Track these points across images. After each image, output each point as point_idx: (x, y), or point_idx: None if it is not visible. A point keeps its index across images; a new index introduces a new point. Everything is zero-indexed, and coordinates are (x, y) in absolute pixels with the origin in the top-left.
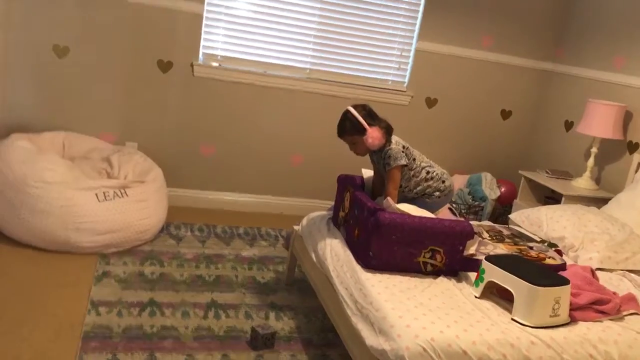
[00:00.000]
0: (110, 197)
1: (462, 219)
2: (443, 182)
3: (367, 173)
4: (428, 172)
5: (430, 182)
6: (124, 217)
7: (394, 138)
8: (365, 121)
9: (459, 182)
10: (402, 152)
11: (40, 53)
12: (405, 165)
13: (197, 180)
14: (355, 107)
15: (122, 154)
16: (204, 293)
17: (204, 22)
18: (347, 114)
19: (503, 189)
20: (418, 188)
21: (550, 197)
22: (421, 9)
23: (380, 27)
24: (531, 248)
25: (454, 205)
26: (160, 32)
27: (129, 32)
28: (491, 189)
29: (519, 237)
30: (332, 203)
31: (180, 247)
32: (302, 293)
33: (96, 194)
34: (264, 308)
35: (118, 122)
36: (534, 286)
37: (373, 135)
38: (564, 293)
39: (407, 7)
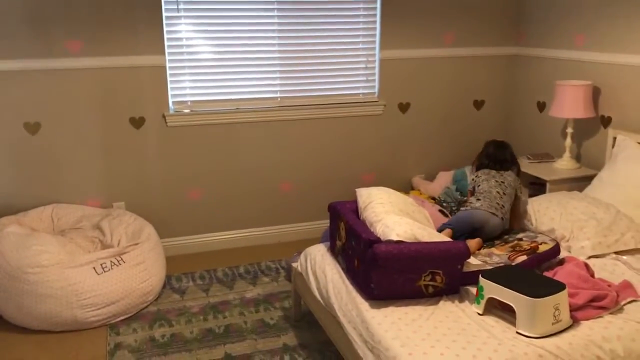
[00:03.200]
0: (107, 267)
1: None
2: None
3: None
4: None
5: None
6: (125, 284)
7: (484, 171)
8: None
9: (444, 180)
10: (473, 180)
11: (12, 133)
12: (471, 191)
13: (190, 226)
14: (492, 140)
15: (111, 218)
16: (216, 348)
17: (168, 72)
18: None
19: None
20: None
21: (535, 183)
22: (378, 19)
23: (341, 44)
24: (521, 239)
25: (443, 204)
26: (127, 91)
27: (97, 96)
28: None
29: (507, 233)
30: (326, 223)
31: (185, 301)
32: (311, 328)
33: (94, 268)
34: (278, 352)
35: (102, 186)
36: (533, 299)
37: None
38: (562, 299)
39: (364, 19)
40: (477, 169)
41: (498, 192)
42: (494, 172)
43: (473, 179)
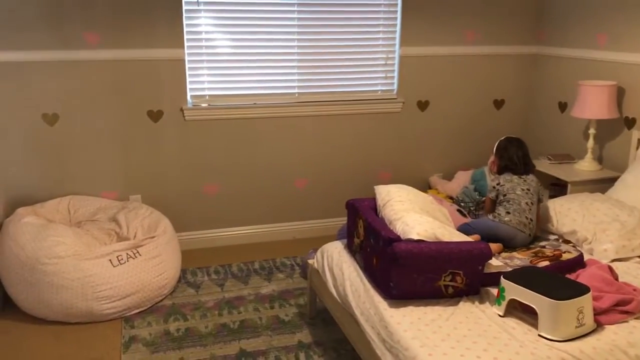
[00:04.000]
0: (124, 260)
1: (472, 219)
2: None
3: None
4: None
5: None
6: (141, 277)
7: (505, 177)
8: (498, 151)
9: (463, 179)
10: (495, 187)
11: (30, 124)
12: (492, 199)
13: (206, 221)
14: (507, 136)
15: (127, 211)
16: (231, 343)
17: (187, 65)
18: (502, 138)
19: None
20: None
21: (556, 184)
22: (399, 15)
23: (361, 40)
24: (544, 247)
25: (461, 204)
26: (145, 84)
27: (115, 89)
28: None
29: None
30: (342, 220)
31: (200, 295)
32: (327, 325)
33: (110, 260)
34: (293, 349)
35: (118, 178)
36: (556, 301)
37: (490, 161)
38: (586, 302)
39: (385, 15)
40: (500, 172)
41: (527, 203)
42: (516, 177)
43: (494, 187)
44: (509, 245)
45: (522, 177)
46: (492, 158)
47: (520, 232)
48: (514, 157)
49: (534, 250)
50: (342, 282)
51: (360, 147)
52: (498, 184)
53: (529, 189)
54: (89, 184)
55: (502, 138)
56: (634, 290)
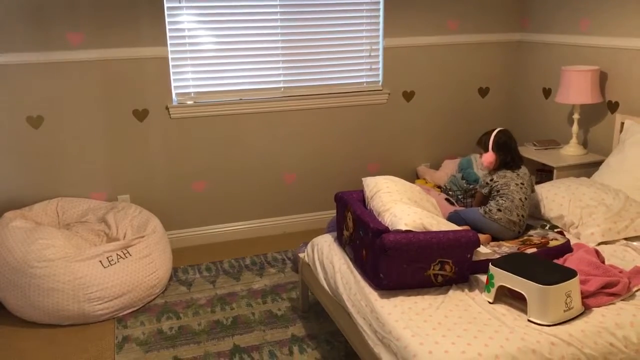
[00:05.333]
0: (114, 260)
1: (462, 207)
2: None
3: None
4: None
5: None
6: (132, 277)
7: (499, 173)
8: (499, 148)
9: (450, 168)
10: (488, 183)
11: (15, 127)
12: (485, 195)
13: (195, 218)
14: (500, 130)
15: (116, 211)
16: (224, 340)
17: (171, 63)
18: (490, 132)
19: None
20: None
21: (542, 170)
22: (381, 7)
23: (345, 32)
24: (531, 236)
25: (449, 192)
26: (130, 83)
27: (99, 89)
28: (483, 170)
29: None
30: (332, 213)
31: (192, 293)
32: (319, 318)
33: (100, 261)
34: (286, 343)
35: (106, 179)
36: (544, 286)
37: (485, 158)
38: (573, 286)
39: (367, 7)
40: (501, 168)
41: (520, 199)
42: (509, 172)
43: (488, 183)
44: (497, 239)
45: (515, 171)
46: (488, 155)
47: (509, 230)
48: (513, 156)
49: (521, 239)
50: (332, 274)
51: (347, 139)
52: (492, 180)
53: (522, 183)
54: (76, 186)
55: (497, 132)
56: (620, 272)
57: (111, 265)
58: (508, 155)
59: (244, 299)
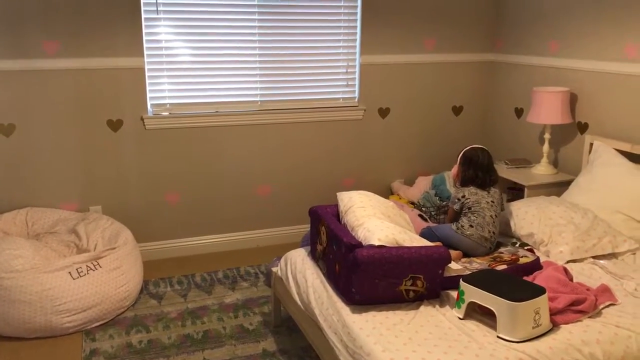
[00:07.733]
0: (84, 272)
1: (435, 224)
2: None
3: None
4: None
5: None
6: (101, 289)
7: (470, 190)
8: (463, 163)
9: (423, 184)
10: (459, 200)
11: None
12: (457, 211)
13: (168, 230)
14: (474, 147)
15: (87, 222)
16: (194, 354)
17: (147, 74)
18: (466, 148)
19: None
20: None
21: (513, 188)
22: (359, 24)
23: (322, 49)
24: (502, 253)
25: (422, 209)
26: (105, 93)
27: (74, 98)
28: (455, 186)
29: None
30: (306, 227)
31: (163, 306)
32: (291, 333)
33: (69, 272)
34: (257, 358)
35: (78, 189)
36: (513, 302)
37: (453, 171)
38: (542, 303)
39: (345, 24)
40: (463, 185)
41: (491, 216)
42: (480, 191)
43: (459, 199)
44: (469, 255)
45: (487, 190)
46: (455, 168)
47: (481, 246)
48: (478, 173)
49: (492, 256)
50: (305, 289)
51: (323, 154)
52: (463, 197)
53: (493, 202)
54: (47, 196)
55: (468, 148)
56: (588, 290)
57: (80, 277)
58: (473, 171)
59: (216, 313)
